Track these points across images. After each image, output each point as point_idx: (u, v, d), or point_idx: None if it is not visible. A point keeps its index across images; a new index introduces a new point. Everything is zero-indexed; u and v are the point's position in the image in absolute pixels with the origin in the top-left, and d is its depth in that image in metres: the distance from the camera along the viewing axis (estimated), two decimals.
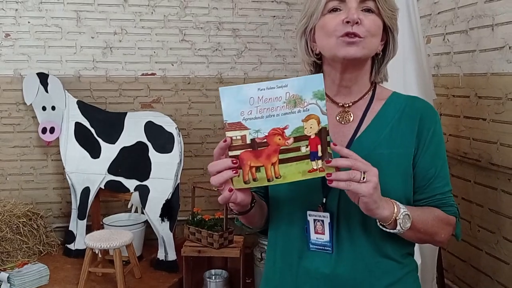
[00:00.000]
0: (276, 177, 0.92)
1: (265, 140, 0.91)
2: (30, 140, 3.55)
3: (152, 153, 3.18)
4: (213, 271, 3.05)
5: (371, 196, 0.90)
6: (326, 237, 1.02)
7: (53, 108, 3.38)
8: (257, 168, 0.92)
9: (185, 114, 3.69)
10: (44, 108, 3.39)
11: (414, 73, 2.24)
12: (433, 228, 1.04)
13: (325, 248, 1.03)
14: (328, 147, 0.91)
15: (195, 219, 3.00)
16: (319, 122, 0.91)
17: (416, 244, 1.14)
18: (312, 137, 0.91)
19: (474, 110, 2.49)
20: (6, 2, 3.43)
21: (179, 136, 3.16)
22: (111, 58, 3.59)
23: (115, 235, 2.85)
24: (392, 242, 1.04)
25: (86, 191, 3.29)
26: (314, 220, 1.03)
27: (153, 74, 3.64)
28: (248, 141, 0.91)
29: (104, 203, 3.58)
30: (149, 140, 3.20)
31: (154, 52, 3.62)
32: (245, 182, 0.92)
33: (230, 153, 0.91)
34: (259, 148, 0.91)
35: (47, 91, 3.38)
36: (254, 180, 0.92)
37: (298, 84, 0.91)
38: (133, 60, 3.61)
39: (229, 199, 0.94)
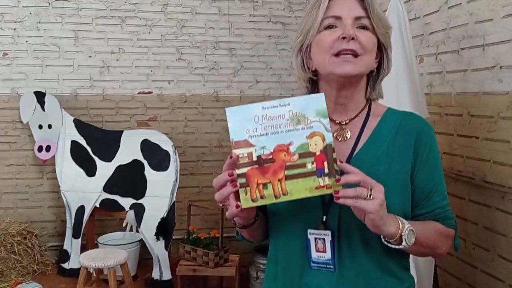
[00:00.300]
0: (283, 194, 0.94)
1: (271, 156, 0.94)
2: (26, 158, 3.55)
3: (148, 171, 3.18)
4: None
5: (378, 213, 0.91)
6: (327, 255, 1.03)
7: (50, 126, 3.39)
8: (264, 185, 0.94)
9: (181, 132, 3.71)
10: (40, 127, 3.40)
11: (408, 92, 2.27)
12: (435, 242, 1.06)
13: (327, 266, 1.03)
14: (335, 164, 0.94)
15: (191, 237, 2.99)
16: (323, 139, 0.94)
17: (411, 263, 1.15)
18: (317, 154, 0.94)
19: (467, 128, 2.52)
20: (5, 22, 3.47)
21: (175, 154, 3.18)
22: (108, 76, 3.62)
23: (110, 254, 2.83)
24: (392, 257, 1.05)
25: (81, 209, 3.28)
26: (315, 238, 1.04)
27: (149, 92, 3.66)
28: (254, 158, 0.94)
29: (99, 222, 3.56)
30: (145, 158, 3.20)
31: (151, 71, 3.66)
32: (253, 200, 0.94)
33: (238, 171, 0.94)
34: (265, 165, 0.94)
35: (44, 110, 3.39)
36: (262, 197, 0.94)
37: (300, 103, 0.95)
38: (130, 79, 3.64)
39: (236, 215, 0.95)
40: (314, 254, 1.04)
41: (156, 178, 3.15)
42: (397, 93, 2.20)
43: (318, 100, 0.95)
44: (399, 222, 0.97)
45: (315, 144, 0.94)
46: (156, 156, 3.18)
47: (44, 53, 3.54)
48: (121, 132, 3.32)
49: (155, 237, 3.08)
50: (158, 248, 3.09)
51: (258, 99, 3.77)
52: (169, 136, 3.52)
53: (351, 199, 0.91)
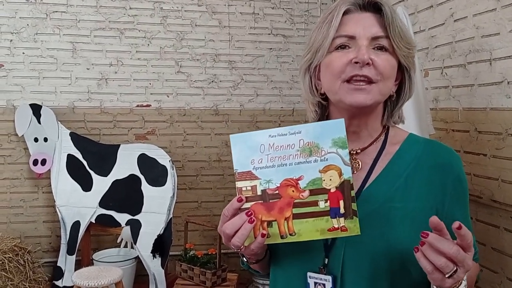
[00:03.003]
0: (290, 234, 0.83)
1: (277, 191, 0.83)
2: (21, 172, 3.48)
3: (145, 187, 3.10)
4: None
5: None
6: None
7: (45, 139, 3.32)
8: (269, 223, 0.83)
9: (180, 146, 3.63)
10: (36, 140, 3.33)
11: (412, 106, 2.20)
12: (472, 284, 0.94)
13: None
14: (353, 203, 0.81)
15: (188, 255, 2.89)
16: (340, 174, 0.82)
17: None
18: (332, 190, 0.82)
19: (474, 145, 2.44)
20: (1, 33, 3.42)
21: (173, 169, 3.10)
22: (106, 89, 3.55)
23: (104, 272, 2.74)
24: None
25: (76, 225, 3.19)
26: (315, 283, 0.92)
27: (148, 105, 3.60)
28: (258, 192, 0.84)
29: (95, 237, 3.48)
30: (142, 173, 3.12)
31: (150, 84, 3.59)
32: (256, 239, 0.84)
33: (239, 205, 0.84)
34: (270, 201, 0.83)
35: (39, 122, 3.32)
36: (266, 236, 0.83)
37: (314, 131, 0.83)
38: (128, 92, 3.57)
39: (261, 245, 0.84)
40: None
41: (153, 194, 3.07)
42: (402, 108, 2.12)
43: (336, 127, 0.82)
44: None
45: (330, 180, 0.82)
46: (153, 171, 3.10)
47: (41, 65, 3.48)
48: (118, 146, 3.24)
49: (151, 254, 2.98)
50: (154, 266, 3.00)
51: (258, 112, 3.70)
52: (167, 150, 3.44)
53: (429, 264, 0.75)
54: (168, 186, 3.05)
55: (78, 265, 3.21)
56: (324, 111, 1.01)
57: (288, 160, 0.83)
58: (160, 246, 2.99)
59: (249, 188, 0.84)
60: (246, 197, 0.84)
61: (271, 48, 3.71)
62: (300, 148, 0.83)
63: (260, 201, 0.84)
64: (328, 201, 0.82)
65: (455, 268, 0.75)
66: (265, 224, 0.83)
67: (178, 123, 3.63)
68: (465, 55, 2.50)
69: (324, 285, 0.91)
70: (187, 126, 3.64)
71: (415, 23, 2.88)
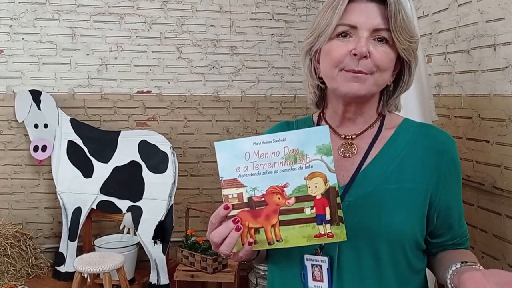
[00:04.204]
0: (277, 240, 0.83)
1: (263, 199, 0.83)
2: (21, 158, 3.47)
3: (146, 173, 3.09)
4: None
5: None
6: (324, 284, 0.91)
7: (46, 125, 3.30)
8: (256, 230, 0.83)
9: (181, 133, 3.62)
10: (36, 126, 3.32)
11: (415, 93, 2.17)
12: None
13: None
14: (339, 210, 0.82)
15: (189, 241, 2.90)
16: (326, 181, 0.82)
17: None
18: (318, 197, 0.82)
19: (477, 131, 2.42)
20: (0, 18, 3.38)
21: (174, 156, 3.09)
22: (106, 75, 3.53)
23: (106, 258, 2.74)
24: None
25: (78, 211, 3.20)
26: (312, 265, 0.92)
27: (148, 91, 3.58)
28: (245, 200, 0.84)
29: (97, 223, 3.48)
30: (142, 160, 3.12)
31: (150, 70, 3.57)
32: (243, 245, 0.84)
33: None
34: (257, 208, 0.83)
35: (39, 109, 3.31)
36: (254, 243, 0.84)
37: (298, 138, 0.82)
38: (128, 78, 3.55)
39: (250, 252, 0.85)
40: (311, 283, 0.92)
41: (154, 180, 3.06)
42: (404, 94, 2.10)
43: (321, 134, 0.82)
44: None
45: (315, 187, 0.82)
46: (154, 158, 3.09)
47: (40, 51, 3.45)
48: (119, 132, 3.23)
49: (153, 240, 2.99)
50: (155, 252, 3.00)
51: (260, 99, 3.68)
52: (168, 136, 3.43)
53: None
54: (169, 173, 3.05)
55: (80, 251, 3.23)
56: (322, 94, 1.02)
57: (273, 168, 0.83)
58: (161, 232, 3.00)
59: (235, 195, 0.84)
60: (232, 205, 0.84)
61: (272, 34, 3.67)
62: (285, 156, 0.83)
63: (246, 208, 0.84)
64: (314, 208, 0.82)
65: None
66: (252, 231, 0.84)
67: (178, 110, 3.61)
68: (469, 41, 2.46)
69: (321, 266, 0.92)
70: (188, 113, 3.62)
71: (418, 8, 2.84)
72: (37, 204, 3.51)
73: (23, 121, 3.34)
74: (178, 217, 3.47)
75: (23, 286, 2.86)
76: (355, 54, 0.88)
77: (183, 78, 3.60)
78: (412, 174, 0.93)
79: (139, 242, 3.13)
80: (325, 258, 0.91)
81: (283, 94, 3.71)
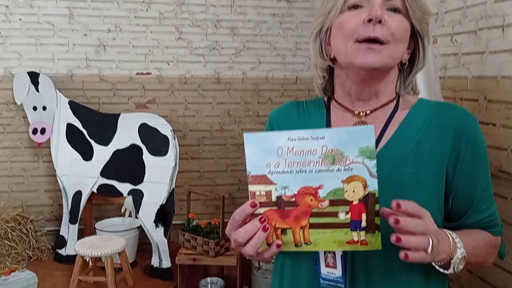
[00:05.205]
0: (306, 243, 0.79)
1: (294, 199, 0.78)
2: (20, 141, 3.43)
3: (146, 156, 3.06)
4: (208, 279, 2.94)
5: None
6: (338, 271, 0.88)
7: (44, 108, 3.26)
8: (283, 230, 0.79)
9: (181, 115, 3.57)
10: (35, 108, 3.27)
11: (421, 74, 2.12)
12: (484, 257, 0.91)
13: (337, 285, 0.89)
14: (376, 217, 0.77)
15: (191, 225, 2.88)
16: (365, 186, 0.76)
17: None
18: (354, 203, 0.77)
19: (483, 114, 2.38)
20: None
21: (174, 139, 3.05)
22: (105, 56, 3.47)
23: (107, 241, 2.73)
24: (419, 281, 0.89)
25: (78, 194, 3.17)
26: (325, 251, 0.89)
27: (148, 73, 3.52)
28: (273, 199, 0.78)
29: (98, 206, 3.47)
30: (143, 143, 3.08)
31: (150, 51, 3.50)
32: (268, 245, 0.80)
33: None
34: (286, 208, 0.78)
35: (38, 91, 3.26)
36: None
37: (339, 137, 0.76)
38: (127, 59, 3.49)
39: (275, 254, 0.81)
40: (324, 270, 0.90)
41: (155, 164, 3.03)
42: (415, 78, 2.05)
43: (365, 135, 0.75)
44: (451, 244, 0.81)
45: (353, 191, 0.76)
46: (154, 141, 3.05)
47: (38, 32, 3.38)
48: (118, 115, 3.18)
49: (154, 224, 2.97)
50: (157, 236, 2.99)
51: (261, 80, 3.62)
52: (168, 119, 3.39)
53: (418, 253, 0.75)
54: (170, 156, 3.01)
55: (81, 234, 3.22)
56: (331, 79, 0.99)
57: (308, 167, 0.77)
58: (163, 216, 2.98)
59: (263, 193, 0.79)
60: (260, 203, 0.79)
61: (274, 14, 3.59)
62: (323, 155, 0.77)
63: (274, 208, 0.79)
64: (349, 213, 0.77)
65: (429, 240, 0.75)
66: (279, 231, 0.79)
67: (179, 92, 3.56)
68: (476, 21, 2.40)
69: (334, 253, 0.89)
70: (188, 95, 3.57)
71: None
72: (37, 187, 3.49)
73: (21, 104, 3.29)
74: (179, 200, 3.45)
75: (24, 269, 2.85)
76: (369, 20, 0.84)
77: (183, 60, 3.54)
78: (430, 157, 0.88)
79: (140, 225, 3.12)
80: None
81: (285, 75, 3.66)
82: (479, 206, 0.92)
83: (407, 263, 0.86)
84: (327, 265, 0.89)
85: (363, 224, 0.77)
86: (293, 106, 1.06)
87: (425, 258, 0.75)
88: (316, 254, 0.90)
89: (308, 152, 0.77)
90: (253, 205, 0.78)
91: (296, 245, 0.79)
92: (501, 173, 2.26)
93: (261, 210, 0.79)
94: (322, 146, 0.77)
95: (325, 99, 1.03)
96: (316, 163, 0.77)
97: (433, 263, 0.82)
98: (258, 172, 0.79)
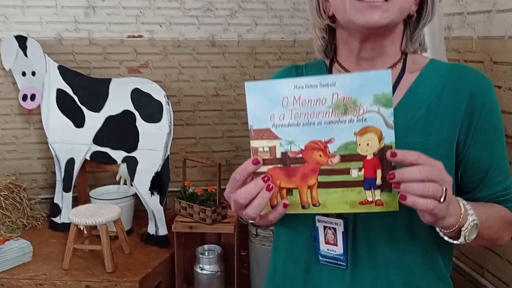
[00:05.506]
0: (314, 204, 0.71)
1: (300, 155, 0.71)
2: (11, 107, 3.33)
3: (140, 123, 2.97)
4: (206, 247, 2.92)
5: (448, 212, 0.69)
6: (339, 249, 0.82)
7: (34, 73, 3.15)
8: (289, 190, 0.72)
9: (175, 80, 3.46)
10: (24, 74, 3.16)
11: (426, 34, 2.02)
12: (498, 232, 0.84)
13: (338, 262, 0.83)
14: None
15: (187, 193, 2.83)
16: (381, 138, 0.69)
17: None
18: (368, 157, 0.69)
19: (489, 76, 2.28)
20: None
21: (168, 105, 2.95)
22: (94, 18, 3.32)
23: (102, 210, 2.69)
24: (425, 258, 0.82)
25: (71, 162, 3.11)
26: (325, 227, 0.82)
27: (140, 36, 3.38)
28: (278, 155, 0.71)
29: (92, 174, 3.40)
30: (136, 109, 2.99)
31: (141, 12, 3.35)
32: (273, 207, 0.73)
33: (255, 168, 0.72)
34: (292, 165, 0.71)
35: (26, 55, 3.13)
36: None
37: (352, 83, 0.68)
38: (117, 21, 3.34)
39: (281, 216, 0.73)
40: (323, 247, 0.83)
41: (149, 130, 2.95)
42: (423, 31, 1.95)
43: (381, 80, 0.67)
44: (461, 209, 0.73)
45: (367, 144, 0.69)
46: (147, 107, 2.96)
47: None
48: (110, 80, 3.07)
49: (149, 192, 2.92)
50: (152, 203, 2.95)
51: (258, 43, 3.50)
52: (162, 84, 3.28)
53: (424, 200, 0.65)
54: (164, 122, 2.93)
55: (76, 202, 3.17)
56: (332, 38, 0.90)
57: (316, 118, 0.69)
58: (158, 183, 2.92)
59: (266, 149, 0.71)
60: (263, 160, 0.71)
61: None
62: (333, 104, 0.69)
63: (279, 165, 0.71)
64: (363, 170, 0.70)
65: (443, 188, 0.66)
66: (284, 191, 0.72)
67: (172, 55, 3.43)
68: None
69: (334, 229, 0.82)
70: (182, 59, 3.45)
71: None
72: (30, 154, 3.42)
73: (10, 69, 3.17)
74: (175, 167, 3.39)
75: (19, 238, 2.82)
76: None
77: (176, 22, 3.40)
78: (441, 124, 0.81)
79: (136, 192, 3.07)
80: (340, 221, 0.81)
81: (282, 38, 3.53)
82: (493, 178, 0.85)
83: (417, 240, 0.79)
84: (326, 242, 0.82)
85: (378, 181, 0.70)
86: (292, 70, 0.98)
87: (435, 207, 0.66)
88: (315, 229, 0.83)
89: (317, 101, 0.69)
90: (256, 162, 0.71)
91: (303, 207, 0.72)
92: (506, 137, 2.19)
93: (264, 168, 0.72)
94: (333, 94, 0.69)
95: (327, 62, 0.94)
96: (326, 113, 0.69)
97: (441, 233, 0.75)
98: (260, 126, 0.71)
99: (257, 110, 0.70)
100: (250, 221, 0.74)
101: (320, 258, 0.84)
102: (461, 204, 0.74)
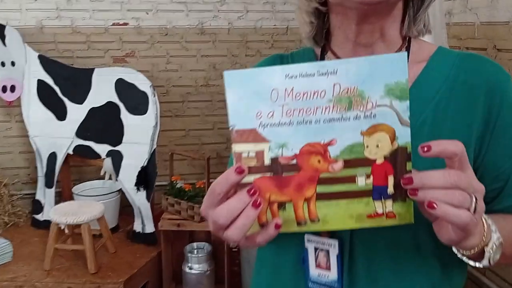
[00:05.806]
0: (312, 220, 0.57)
1: (295, 161, 0.56)
2: None
3: (125, 115, 2.83)
4: (195, 245, 2.80)
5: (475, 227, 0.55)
6: (332, 274, 0.68)
7: (13, 63, 2.99)
8: (281, 205, 0.57)
9: (163, 70, 3.31)
10: (3, 64, 3.00)
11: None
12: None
13: None
14: None
15: (174, 188, 2.70)
16: (393, 138, 0.55)
17: None
18: (378, 162, 0.56)
19: None
20: None
21: (154, 96, 2.81)
22: (77, 5, 3.16)
23: (84, 207, 2.55)
24: (436, 285, 0.70)
25: (53, 156, 2.96)
26: (316, 248, 0.69)
27: (125, 24, 3.22)
28: (267, 161, 0.57)
29: (76, 168, 3.26)
30: (120, 100, 2.84)
31: None
32: (261, 225, 0.58)
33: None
34: (284, 174, 0.57)
35: (4, 44, 2.97)
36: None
37: (358, 71, 0.54)
38: (102, 8, 3.18)
39: (273, 237, 0.58)
40: (314, 271, 0.69)
41: (134, 123, 2.81)
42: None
43: (394, 66, 0.53)
44: (484, 226, 0.59)
45: (377, 146, 0.56)
46: (132, 98, 2.81)
47: None
48: (92, 70, 2.92)
49: (136, 187, 2.79)
50: (139, 199, 2.81)
51: (249, 31, 3.35)
52: (149, 74, 3.14)
53: (452, 209, 0.51)
54: (150, 114, 2.78)
55: (59, 197, 3.04)
56: (323, 23, 0.76)
57: (314, 115, 0.55)
58: (144, 178, 2.79)
59: (252, 154, 0.57)
60: (248, 168, 0.56)
61: None
62: (334, 98, 0.55)
63: (268, 174, 0.57)
64: (371, 177, 0.56)
65: (473, 198, 0.53)
66: (275, 206, 0.57)
67: (159, 44, 3.28)
68: None
69: (327, 251, 0.68)
70: (170, 47, 3.30)
71: None
72: (11, 148, 3.27)
73: None
74: (163, 160, 3.26)
75: None
76: None
77: (163, 8, 3.24)
78: (452, 125, 0.68)
79: (121, 188, 2.93)
80: (335, 242, 0.67)
81: (275, 25, 3.38)
82: None
83: (427, 265, 0.66)
84: (318, 266, 0.68)
85: (390, 190, 0.56)
86: (276, 60, 0.86)
87: (471, 221, 0.52)
88: (304, 251, 0.70)
89: (314, 94, 0.55)
90: (240, 171, 0.55)
91: (298, 224, 0.58)
92: None
93: (250, 178, 0.57)
94: (334, 85, 0.55)
95: (317, 51, 0.80)
96: (326, 109, 0.55)
97: (459, 254, 0.62)
98: (244, 126, 0.56)
99: (239, 106, 0.56)
100: (232, 245, 0.60)
101: (310, 284, 0.70)
102: (483, 219, 0.61)
